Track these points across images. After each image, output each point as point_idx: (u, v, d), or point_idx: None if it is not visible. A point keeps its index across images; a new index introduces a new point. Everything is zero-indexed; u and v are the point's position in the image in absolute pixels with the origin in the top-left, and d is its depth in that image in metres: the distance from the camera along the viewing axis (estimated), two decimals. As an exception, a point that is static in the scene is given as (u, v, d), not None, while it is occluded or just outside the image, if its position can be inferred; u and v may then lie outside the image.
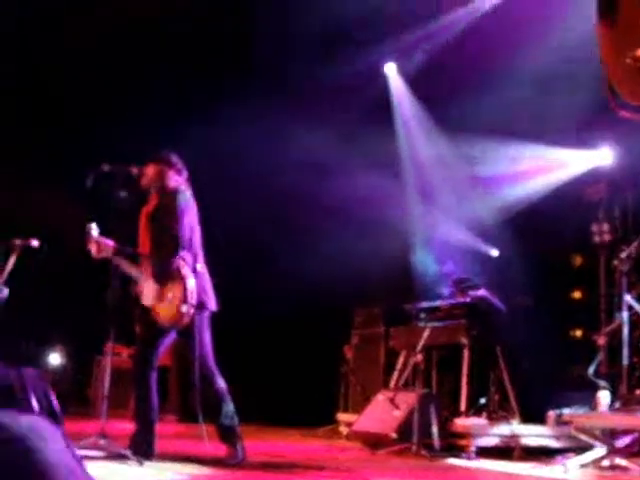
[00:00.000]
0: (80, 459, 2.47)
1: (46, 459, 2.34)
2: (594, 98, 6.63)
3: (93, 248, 5.42)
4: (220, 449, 5.41)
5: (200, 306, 5.28)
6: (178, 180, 5.61)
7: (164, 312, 5.28)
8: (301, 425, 9.37)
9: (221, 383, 5.41)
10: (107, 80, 9.54)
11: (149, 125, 8.83)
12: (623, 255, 7.13)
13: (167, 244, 5.35)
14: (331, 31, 9.16)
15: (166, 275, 5.28)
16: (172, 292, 5.24)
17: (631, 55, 4.19)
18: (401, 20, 9.13)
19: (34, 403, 2.61)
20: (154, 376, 5.42)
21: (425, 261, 9.54)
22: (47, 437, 2.41)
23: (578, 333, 8.31)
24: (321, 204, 9.71)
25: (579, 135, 8.92)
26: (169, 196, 5.49)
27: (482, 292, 8.13)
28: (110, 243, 5.43)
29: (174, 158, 5.68)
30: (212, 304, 5.45)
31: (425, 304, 8.17)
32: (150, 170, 5.62)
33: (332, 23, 9.03)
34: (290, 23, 9.31)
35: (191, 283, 5.21)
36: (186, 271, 5.24)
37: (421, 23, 9.51)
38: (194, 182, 5.70)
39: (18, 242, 6.07)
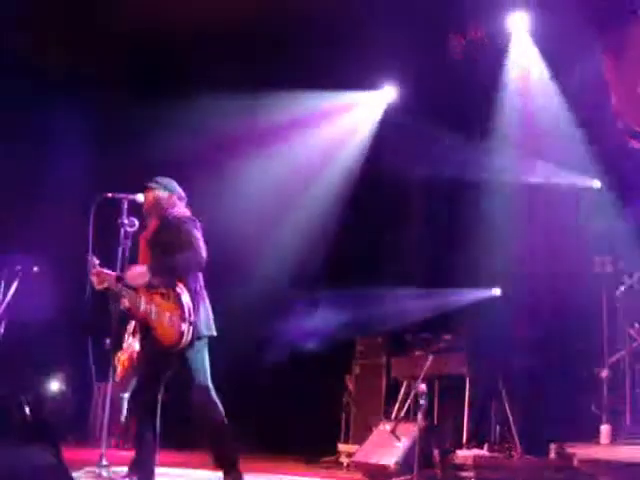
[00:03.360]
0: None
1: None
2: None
3: (95, 279, 5.46)
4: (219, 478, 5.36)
5: (198, 328, 5.27)
6: (182, 206, 5.63)
7: (166, 333, 5.26)
8: (302, 455, 9.30)
9: (221, 411, 5.38)
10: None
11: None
12: (624, 287, 7.12)
13: (168, 268, 5.34)
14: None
15: (162, 296, 5.29)
16: (170, 312, 5.24)
17: (640, 85, 4.22)
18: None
19: (31, 430, 2.60)
20: (157, 403, 5.40)
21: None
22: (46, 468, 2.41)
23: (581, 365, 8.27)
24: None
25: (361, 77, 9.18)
26: (173, 222, 5.49)
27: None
28: (111, 273, 5.47)
29: (175, 184, 5.70)
30: (212, 328, 5.44)
31: (427, 334, 8.15)
32: (151, 195, 5.63)
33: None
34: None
35: (187, 302, 5.22)
36: (182, 291, 5.26)
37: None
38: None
39: (19, 268, 6.10)
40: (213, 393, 5.36)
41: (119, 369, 9.27)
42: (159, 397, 5.40)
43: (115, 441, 8.88)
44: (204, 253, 5.38)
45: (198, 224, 5.51)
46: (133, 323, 9.03)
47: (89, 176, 9.48)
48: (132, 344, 9.20)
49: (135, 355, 9.02)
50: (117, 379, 9.08)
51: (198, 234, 5.44)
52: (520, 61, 9.24)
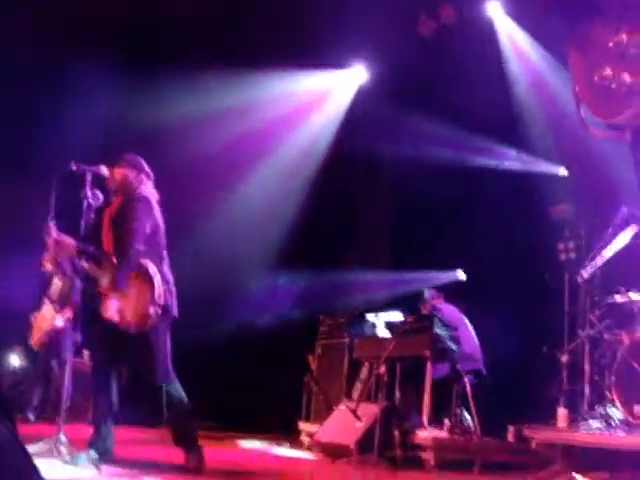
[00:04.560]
0: (32, 460, 2.42)
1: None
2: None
3: (52, 245, 5.38)
4: (178, 455, 5.35)
5: (165, 310, 5.23)
6: (148, 185, 5.56)
7: (128, 312, 5.21)
8: (263, 433, 9.32)
9: (179, 388, 5.35)
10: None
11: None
12: (586, 273, 7.19)
13: (133, 245, 5.29)
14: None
15: (132, 275, 5.23)
16: (138, 293, 5.19)
17: (599, 74, 4.28)
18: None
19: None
20: (113, 380, 5.35)
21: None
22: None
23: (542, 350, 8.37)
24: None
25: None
26: (139, 199, 5.43)
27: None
28: (71, 242, 5.37)
29: (143, 162, 5.62)
30: (175, 310, 5.40)
31: (389, 316, 8.18)
32: (118, 172, 5.55)
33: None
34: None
35: (158, 284, 5.17)
36: (153, 273, 5.20)
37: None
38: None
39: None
40: (173, 374, 5.33)
41: (35, 330, 8.93)
42: (113, 374, 5.35)
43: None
44: (158, 239, 5.35)
45: (156, 205, 5.45)
46: (55, 288, 8.80)
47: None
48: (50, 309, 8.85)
49: (50, 319, 8.75)
50: (32, 341, 8.86)
51: (158, 216, 5.39)
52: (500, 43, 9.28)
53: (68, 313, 8.60)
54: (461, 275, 9.87)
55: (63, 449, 5.53)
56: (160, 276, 5.24)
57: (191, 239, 9.72)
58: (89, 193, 5.51)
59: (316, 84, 10.61)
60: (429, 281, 9.64)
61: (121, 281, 5.22)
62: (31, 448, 2.71)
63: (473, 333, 8.18)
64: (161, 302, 5.16)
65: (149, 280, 5.19)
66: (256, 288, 10.43)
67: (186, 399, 5.36)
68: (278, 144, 10.61)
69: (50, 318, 8.76)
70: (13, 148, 9.20)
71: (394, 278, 10.12)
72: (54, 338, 8.72)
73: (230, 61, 9.43)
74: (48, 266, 8.68)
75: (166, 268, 5.40)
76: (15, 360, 10.20)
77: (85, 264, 5.38)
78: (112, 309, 5.21)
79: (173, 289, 5.41)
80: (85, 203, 5.50)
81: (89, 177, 5.52)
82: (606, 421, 6.15)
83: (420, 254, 9.59)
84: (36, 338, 8.84)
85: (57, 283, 8.80)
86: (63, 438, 5.65)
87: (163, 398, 5.23)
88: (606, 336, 6.90)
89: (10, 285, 8.65)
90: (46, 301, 8.85)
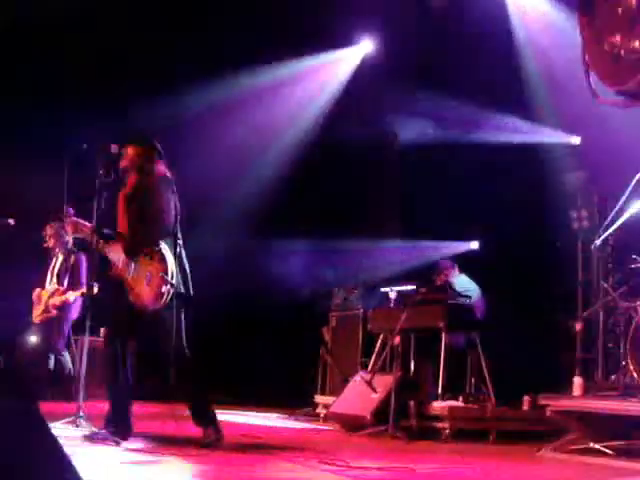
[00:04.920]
0: (57, 439, 2.46)
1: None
2: None
3: (69, 228, 5.44)
4: (196, 430, 5.40)
5: (179, 288, 5.26)
6: (160, 164, 5.57)
7: (143, 292, 5.25)
8: (279, 406, 9.39)
9: (197, 368, 5.39)
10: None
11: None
12: (599, 241, 7.16)
13: (148, 225, 5.31)
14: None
15: (146, 255, 5.26)
16: (152, 272, 5.22)
17: (609, 41, 4.24)
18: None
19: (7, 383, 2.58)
20: (129, 358, 5.40)
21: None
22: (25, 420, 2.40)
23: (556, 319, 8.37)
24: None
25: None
26: (152, 178, 5.44)
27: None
28: (87, 224, 5.45)
29: (156, 141, 5.62)
30: (190, 289, 5.42)
31: (404, 287, 8.19)
32: (131, 151, 5.55)
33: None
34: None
35: (171, 264, 5.20)
36: (167, 252, 5.23)
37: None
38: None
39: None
40: (188, 351, 5.36)
41: (40, 307, 8.91)
42: (128, 352, 5.39)
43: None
44: (171, 218, 5.34)
45: (173, 184, 5.46)
46: (55, 262, 8.81)
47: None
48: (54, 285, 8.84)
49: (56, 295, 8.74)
50: (35, 318, 8.85)
51: (172, 196, 5.40)
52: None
53: (77, 291, 8.60)
54: (474, 245, 9.86)
55: (82, 425, 5.62)
56: (174, 255, 5.26)
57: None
58: (101, 171, 5.54)
59: (324, 60, 10.63)
60: (442, 251, 9.65)
61: (136, 258, 5.27)
62: (52, 426, 2.75)
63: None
64: (174, 281, 5.19)
65: (163, 259, 5.22)
66: (270, 261, 10.43)
67: (201, 375, 5.40)
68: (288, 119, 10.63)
69: (55, 293, 8.73)
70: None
71: (407, 248, 10.11)
72: (59, 314, 8.69)
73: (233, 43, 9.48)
74: (51, 241, 8.69)
75: (180, 247, 5.42)
76: (32, 339, 10.26)
77: (101, 245, 5.41)
78: (127, 289, 5.27)
79: (187, 268, 5.43)
80: (97, 183, 5.53)
81: (101, 156, 5.55)
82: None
83: (433, 224, 9.57)
84: (38, 313, 8.81)
85: (60, 258, 8.78)
86: (82, 414, 5.74)
87: (177, 374, 5.27)
88: (620, 304, 6.89)
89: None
90: (49, 276, 8.85)
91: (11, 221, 6.04)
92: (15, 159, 8.57)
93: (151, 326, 5.35)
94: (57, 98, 9.10)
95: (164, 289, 5.15)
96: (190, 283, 5.40)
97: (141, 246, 5.29)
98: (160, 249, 5.24)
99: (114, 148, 5.56)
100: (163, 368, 5.25)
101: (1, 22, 8.50)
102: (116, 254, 5.37)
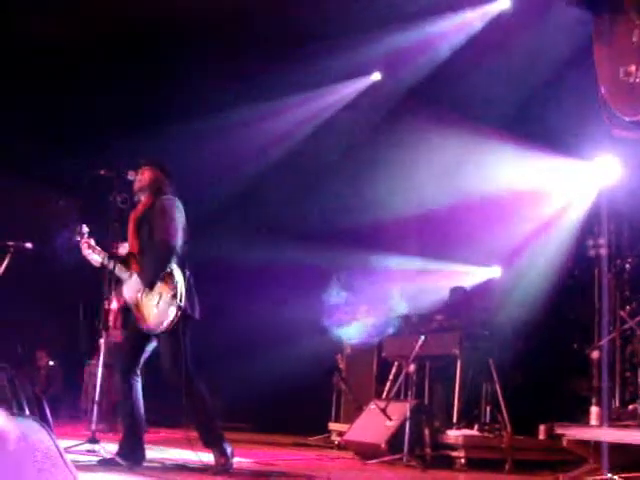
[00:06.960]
0: (69, 462, 2.46)
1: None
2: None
3: (85, 247, 5.49)
4: (208, 456, 5.37)
5: (186, 311, 5.26)
6: (170, 186, 5.63)
7: (152, 314, 5.26)
8: (293, 434, 9.34)
9: (201, 388, 5.37)
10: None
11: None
12: (616, 269, 7.12)
13: (159, 247, 5.33)
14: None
15: (156, 277, 5.27)
16: (161, 294, 5.24)
17: (624, 71, 4.24)
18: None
19: (24, 405, 2.59)
20: (139, 382, 5.40)
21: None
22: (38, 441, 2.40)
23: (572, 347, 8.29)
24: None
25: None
26: (165, 201, 5.48)
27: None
28: (101, 252, 5.53)
29: (168, 166, 5.70)
30: (197, 312, 5.43)
31: (419, 314, 8.16)
32: (146, 174, 5.61)
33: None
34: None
35: (181, 285, 5.21)
36: (177, 273, 5.24)
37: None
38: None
39: (11, 244, 6.06)
40: (195, 374, 5.34)
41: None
42: (139, 378, 5.39)
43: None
44: (181, 241, 5.37)
45: (180, 205, 5.50)
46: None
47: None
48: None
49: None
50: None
51: (182, 219, 5.43)
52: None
53: None
54: (497, 272, 9.77)
55: (97, 450, 5.60)
56: (182, 278, 5.28)
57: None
58: (118, 198, 5.58)
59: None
60: (463, 276, 9.58)
61: (147, 280, 5.29)
62: (66, 448, 2.74)
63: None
64: (182, 304, 5.20)
65: (173, 281, 5.23)
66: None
67: (209, 399, 5.38)
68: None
69: None
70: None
71: (424, 270, 10.04)
72: None
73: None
74: None
75: (187, 270, 5.43)
76: (44, 360, 10.27)
77: (117, 268, 5.43)
78: (135, 313, 5.30)
79: (194, 291, 5.43)
80: (113, 207, 5.57)
81: (116, 182, 5.60)
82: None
83: (455, 250, 9.53)
84: None
85: None
86: (96, 439, 5.72)
87: (184, 398, 5.25)
88: (638, 332, 6.83)
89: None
90: None
91: (29, 245, 6.05)
92: (33, 187, 8.68)
93: (158, 348, 5.36)
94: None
95: (171, 311, 5.17)
96: (197, 306, 5.41)
97: (152, 266, 5.31)
98: (171, 270, 5.25)
99: (131, 174, 5.62)
100: (169, 392, 5.25)
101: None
102: (127, 275, 5.40)
